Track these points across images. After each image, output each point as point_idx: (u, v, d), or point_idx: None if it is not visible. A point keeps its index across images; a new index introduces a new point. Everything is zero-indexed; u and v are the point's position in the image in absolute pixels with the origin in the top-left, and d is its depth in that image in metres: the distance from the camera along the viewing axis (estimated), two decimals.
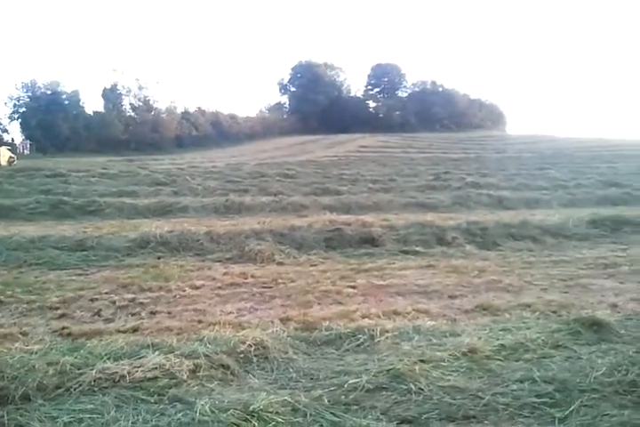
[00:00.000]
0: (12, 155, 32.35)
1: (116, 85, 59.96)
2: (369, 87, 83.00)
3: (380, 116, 77.97)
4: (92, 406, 3.04)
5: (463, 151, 46.72)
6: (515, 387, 3.34)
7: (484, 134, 70.45)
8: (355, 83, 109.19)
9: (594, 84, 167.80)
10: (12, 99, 56.56)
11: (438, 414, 3.05)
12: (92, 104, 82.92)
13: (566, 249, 8.84)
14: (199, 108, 66.53)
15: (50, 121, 43.40)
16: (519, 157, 37.44)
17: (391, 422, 2.98)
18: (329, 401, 3.15)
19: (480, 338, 4.10)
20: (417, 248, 8.53)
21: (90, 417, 2.91)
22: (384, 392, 3.29)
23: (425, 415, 3.03)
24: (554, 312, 5.17)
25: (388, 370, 3.50)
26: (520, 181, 20.31)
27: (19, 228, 9.99)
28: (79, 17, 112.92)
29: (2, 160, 30.72)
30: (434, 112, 76.56)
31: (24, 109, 54.00)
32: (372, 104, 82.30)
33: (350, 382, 3.37)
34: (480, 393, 3.26)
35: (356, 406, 3.13)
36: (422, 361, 3.63)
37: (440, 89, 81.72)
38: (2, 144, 32.03)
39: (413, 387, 3.30)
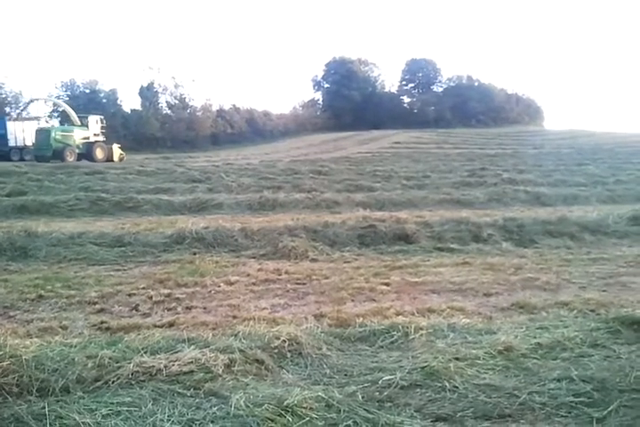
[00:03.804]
0: (122, 152, 36.24)
1: (152, 84, 60.86)
2: (403, 82, 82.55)
3: (415, 111, 77.42)
4: (129, 399, 3.08)
5: (499, 147, 46.11)
6: (552, 386, 3.28)
7: (520, 130, 69.38)
8: (389, 78, 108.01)
9: (635, 78, 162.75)
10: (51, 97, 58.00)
11: (473, 412, 3.02)
12: (130, 102, 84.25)
13: (606, 246, 8.63)
14: (234, 105, 67.03)
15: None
16: (557, 153, 36.72)
17: (425, 419, 2.96)
18: (363, 398, 3.14)
19: (516, 336, 4.03)
20: (452, 245, 8.42)
21: (127, 410, 2.95)
22: (418, 390, 3.27)
23: (460, 413, 3.01)
24: (592, 311, 5.05)
25: (423, 367, 3.48)
26: (558, 177, 19.91)
27: (59, 224, 10.21)
28: (116, 16, 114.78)
29: (115, 157, 34.79)
30: (469, 107, 75.63)
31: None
32: (406, 99, 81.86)
33: (384, 378, 3.36)
34: (516, 392, 3.21)
35: (389, 403, 3.11)
36: (457, 359, 3.59)
37: (476, 84, 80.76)
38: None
39: (448, 385, 3.27)
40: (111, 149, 35.46)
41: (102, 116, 38.01)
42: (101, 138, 36.24)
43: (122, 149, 36.67)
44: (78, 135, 34.47)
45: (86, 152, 34.31)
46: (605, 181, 18.62)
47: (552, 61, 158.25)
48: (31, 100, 45.48)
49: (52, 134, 33.25)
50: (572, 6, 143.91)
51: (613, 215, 9.92)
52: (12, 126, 36.59)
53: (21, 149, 36.15)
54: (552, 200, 14.77)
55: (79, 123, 35.64)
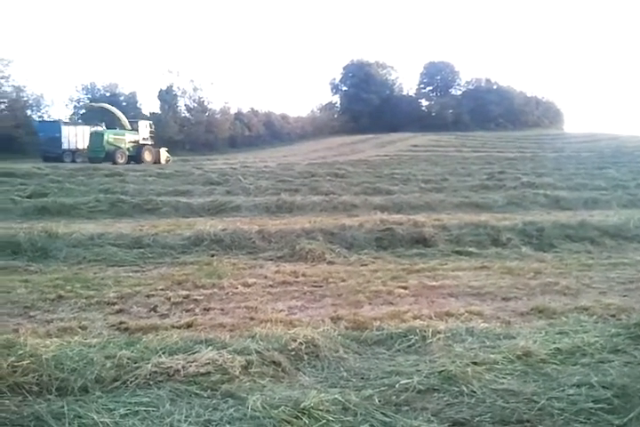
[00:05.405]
0: (169, 155, 38.69)
1: (171, 87, 61.06)
2: (421, 86, 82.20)
3: (433, 114, 76.96)
4: (147, 399, 3.11)
5: (519, 150, 45.72)
6: (571, 392, 3.23)
7: (540, 133, 68.79)
8: (407, 81, 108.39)
9: None
10: (72, 101, 58.81)
11: (491, 417, 2.98)
12: (149, 105, 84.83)
13: (626, 251, 8.52)
14: (252, 108, 67.10)
15: (108, 122, 45.02)
16: (577, 156, 36.35)
17: (442, 424, 2.93)
18: (379, 401, 3.13)
19: (535, 341, 3.99)
20: (470, 249, 8.37)
21: (145, 410, 2.98)
22: (435, 394, 3.24)
23: (477, 418, 2.97)
24: (613, 316, 4.99)
25: (440, 372, 3.45)
26: (578, 180, 19.71)
27: (79, 225, 10.31)
28: (136, 20, 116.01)
29: (162, 159, 37.23)
30: (488, 110, 75.06)
31: (84, 111, 55.64)
32: (424, 103, 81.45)
33: (401, 382, 3.34)
34: (535, 397, 3.17)
35: (406, 407, 3.09)
36: (475, 363, 3.56)
37: (495, 86, 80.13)
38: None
39: (466, 389, 3.24)
40: (159, 152, 37.51)
41: (151, 122, 40.53)
42: (150, 142, 38.25)
43: (168, 153, 38.64)
44: (129, 139, 36.54)
45: (135, 155, 36.12)
46: (626, 185, 18.39)
47: (573, 63, 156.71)
48: (89, 106, 47.52)
49: (105, 137, 35.24)
50: (593, 7, 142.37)
51: (634, 220, 9.78)
52: (65, 130, 38.98)
53: (74, 152, 38.38)
54: (572, 204, 14.61)
55: (129, 127, 37.60)
